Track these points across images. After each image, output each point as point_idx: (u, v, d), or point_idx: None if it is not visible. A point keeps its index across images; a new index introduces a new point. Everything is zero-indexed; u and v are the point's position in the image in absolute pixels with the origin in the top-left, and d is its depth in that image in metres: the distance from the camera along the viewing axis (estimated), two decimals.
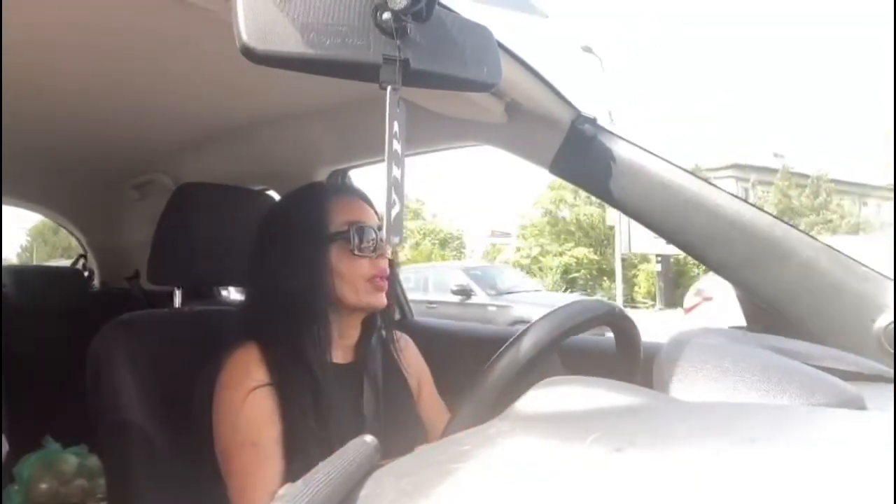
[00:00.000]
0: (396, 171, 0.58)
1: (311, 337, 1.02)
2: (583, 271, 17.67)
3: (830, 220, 18.48)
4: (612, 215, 14.59)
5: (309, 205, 1.10)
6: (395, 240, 0.58)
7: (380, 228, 1.07)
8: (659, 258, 15.67)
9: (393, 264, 1.13)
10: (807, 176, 19.74)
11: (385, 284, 1.07)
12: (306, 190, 1.16)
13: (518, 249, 18.94)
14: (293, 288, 1.02)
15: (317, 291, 1.03)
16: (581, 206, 17.83)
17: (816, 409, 0.44)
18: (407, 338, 1.26)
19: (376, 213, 1.13)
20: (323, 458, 0.98)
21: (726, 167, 21.09)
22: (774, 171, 20.46)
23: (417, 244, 18.20)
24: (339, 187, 1.45)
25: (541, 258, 17.89)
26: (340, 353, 1.10)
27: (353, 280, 1.05)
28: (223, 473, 0.96)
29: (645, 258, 16.21)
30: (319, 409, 0.98)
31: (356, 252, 1.04)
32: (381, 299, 1.07)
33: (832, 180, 20.01)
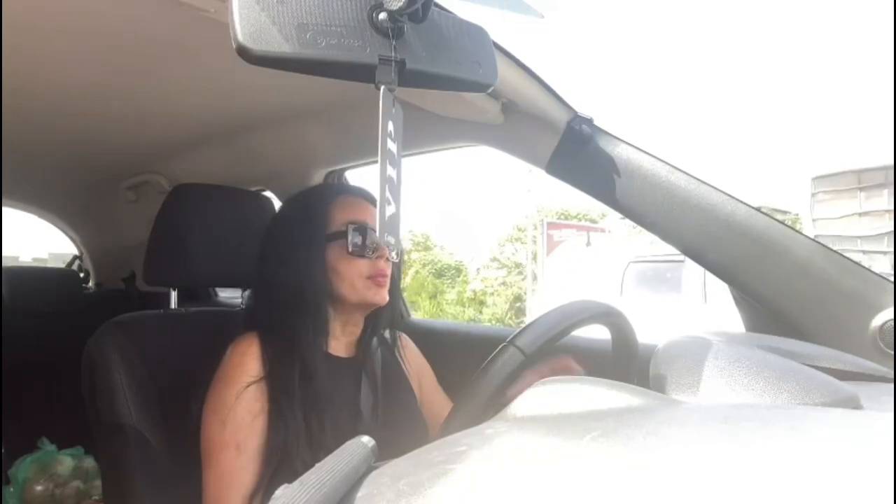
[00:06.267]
0: (392, 171, 0.58)
1: (306, 326, 1.03)
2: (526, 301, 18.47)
3: None
4: (525, 253, 14.88)
5: (310, 205, 1.11)
6: (391, 240, 0.58)
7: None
8: None
9: (396, 266, 1.14)
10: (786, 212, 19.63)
11: (385, 282, 1.08)
12: (310, 190, 1.18)
13: (483, 279, 19.88)
14: (291, 283, 1.04)
15: (314, 287, 1.04)
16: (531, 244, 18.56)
17: (812, 409, 0.44)
18: (406, 336, 1.27)
19: None
20: (312, 449, 0.98)
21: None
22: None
23: (417, 273, 18.69)
24: (343, 188, 1.42)
25: (499, 287, 18.87)
26: (343, 348, 1.12)
27: (351, 278, 1.06)
28: (202, 462, 0.97)
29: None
30: (311, 398, 0.99)
31: (353, 252, 1.06)
32: (382, 296, 1.08)
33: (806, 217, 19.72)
